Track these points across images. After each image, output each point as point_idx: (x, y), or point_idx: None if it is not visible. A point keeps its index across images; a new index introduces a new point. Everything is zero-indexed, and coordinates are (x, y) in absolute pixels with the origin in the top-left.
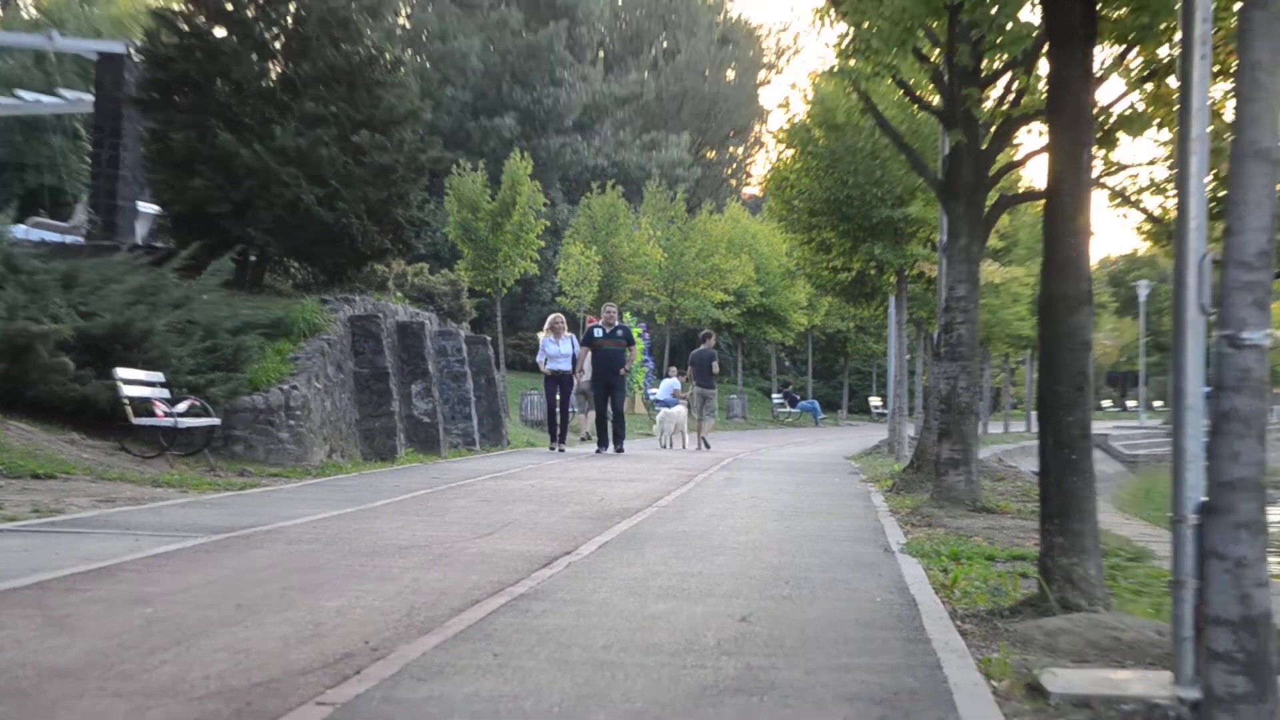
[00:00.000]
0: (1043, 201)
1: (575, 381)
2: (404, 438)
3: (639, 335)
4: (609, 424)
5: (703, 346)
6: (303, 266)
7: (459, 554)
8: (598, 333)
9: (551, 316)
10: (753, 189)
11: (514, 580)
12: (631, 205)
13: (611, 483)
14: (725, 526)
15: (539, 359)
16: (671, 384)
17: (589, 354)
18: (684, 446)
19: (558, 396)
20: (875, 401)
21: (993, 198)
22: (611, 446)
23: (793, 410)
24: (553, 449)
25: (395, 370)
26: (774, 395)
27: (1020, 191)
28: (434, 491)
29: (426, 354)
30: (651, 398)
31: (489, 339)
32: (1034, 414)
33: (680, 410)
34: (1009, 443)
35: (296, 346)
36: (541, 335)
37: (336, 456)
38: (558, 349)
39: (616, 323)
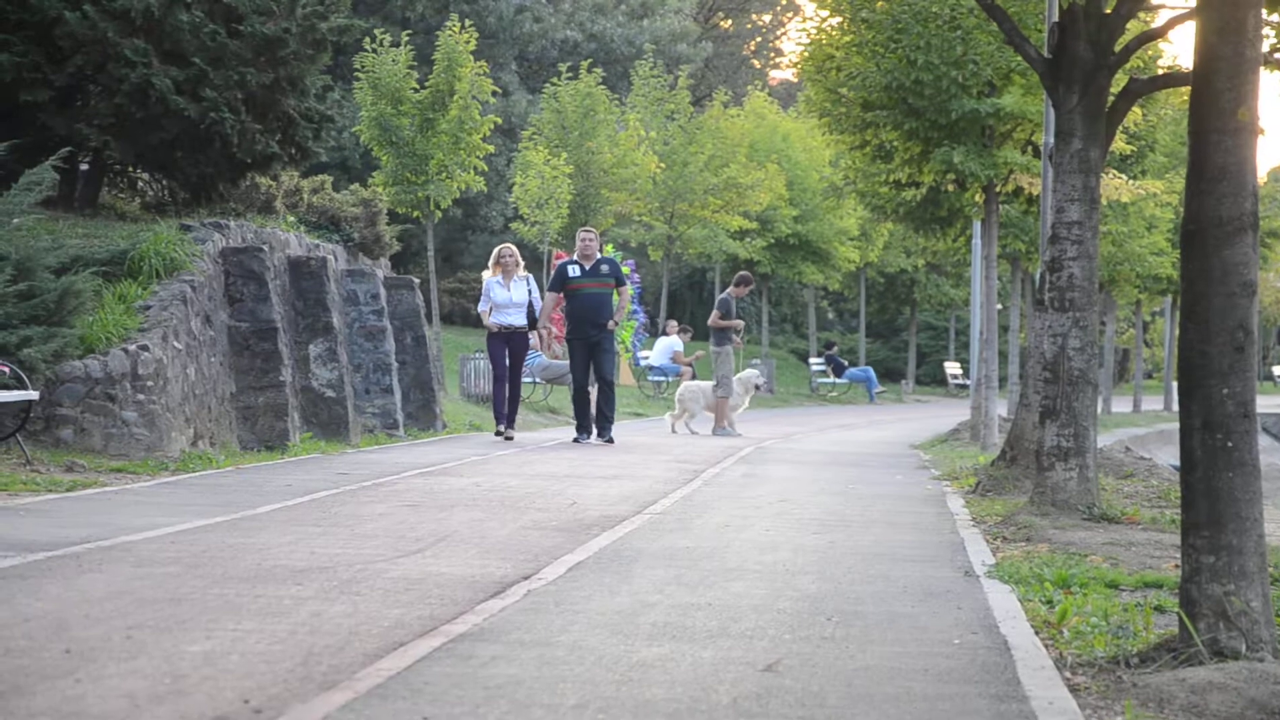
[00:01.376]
0: (1189, 88)
1: (539, 342)
2: (299, 418)
3: (627, 275)
4: (591, 401)
5: (732, 293)
6: (155, 179)
7: (376, 579)
8: (572, 271)
9: (498, 249)
10: (784, 72)
11: (452, 615)
12: (616, 95)
13: (587, 480)
14: (744, 541)
15: (481, 308)
16: (670, 344)
17: (561, 302)
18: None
19: (508, 362)
20: (953, 369)
21: (1120, 83)
22: (594, 434)
23: (839, 381)
24: (500, 435)
25: (287, 325)
26: (812, 360)
27: (1158, 74)
28: (341, 493)
29: (330, 302)
30: (643, 363)
31: (417, 281)
32: (1175, 385)
33: (704, 386)
34: (1140, 425)
35: (147, 291)
36: (486, 275)
37: (205, 444)
38: (507, 295)
39: (598, 255)
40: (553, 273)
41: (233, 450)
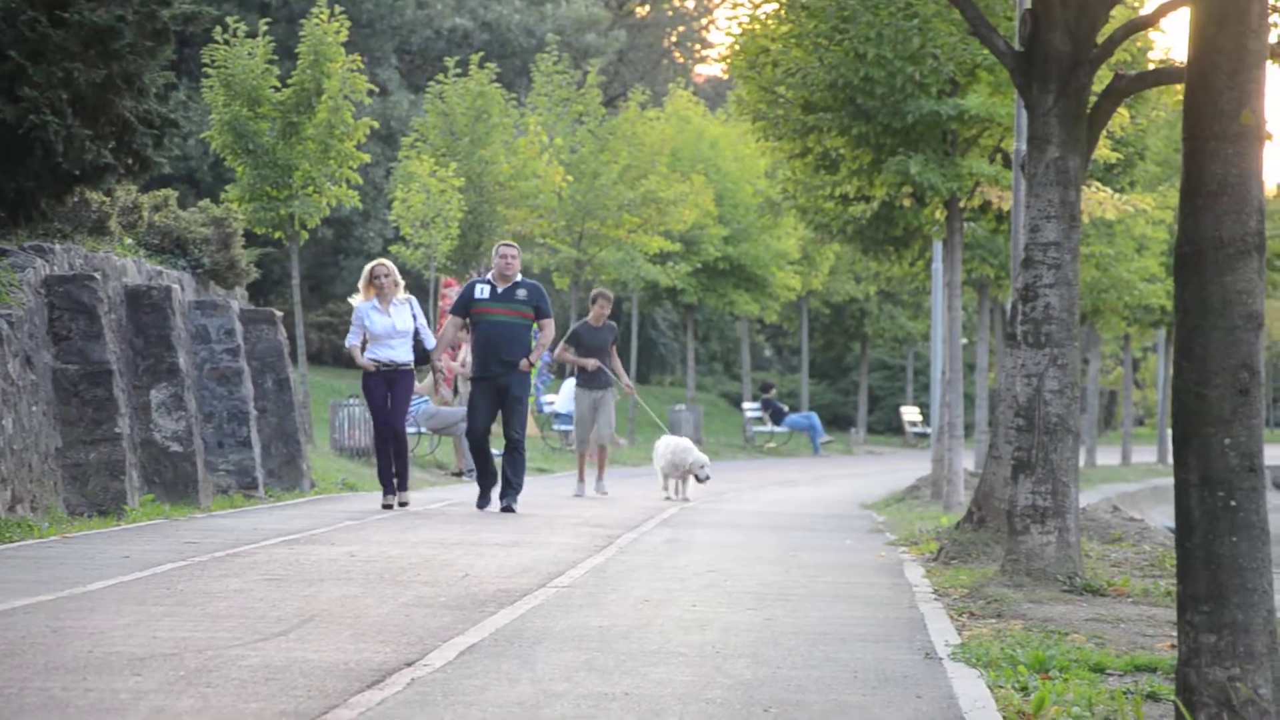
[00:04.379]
0: (1183, 86)
1: (430, 383)
2: (139, 477)
3: None
4: (492, 460)
5: (591, 318)
6: None
7: (230, 667)
8: (480, 291)
9: (370, 266)
10: (712, 68)
11: (321, 709)
12: (514, 95)
13: (481, 549)
14: (666, 619)
15: (351, 341)
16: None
17: (465, 330)
18: (681, 494)
19: (389, 407)
20: (911, 415)
21: (1104, 80)
22: (495, 500)
23: (777, 429)
24: (387, 505)
25: (124, 367)
26: (747, 405)
27: (1148, 70)
28: (189, 565)
29: (176, 340)
30: (547, 409)
31: (280, 315)
32: (1170, 434)
33: (687, 444)
34: (1130, 480)
35: None
36: (355, 300)
37: (25, 509)
38: (388, 323)
39: (518, 277)
40: (458, 293)
41: (59, 516)
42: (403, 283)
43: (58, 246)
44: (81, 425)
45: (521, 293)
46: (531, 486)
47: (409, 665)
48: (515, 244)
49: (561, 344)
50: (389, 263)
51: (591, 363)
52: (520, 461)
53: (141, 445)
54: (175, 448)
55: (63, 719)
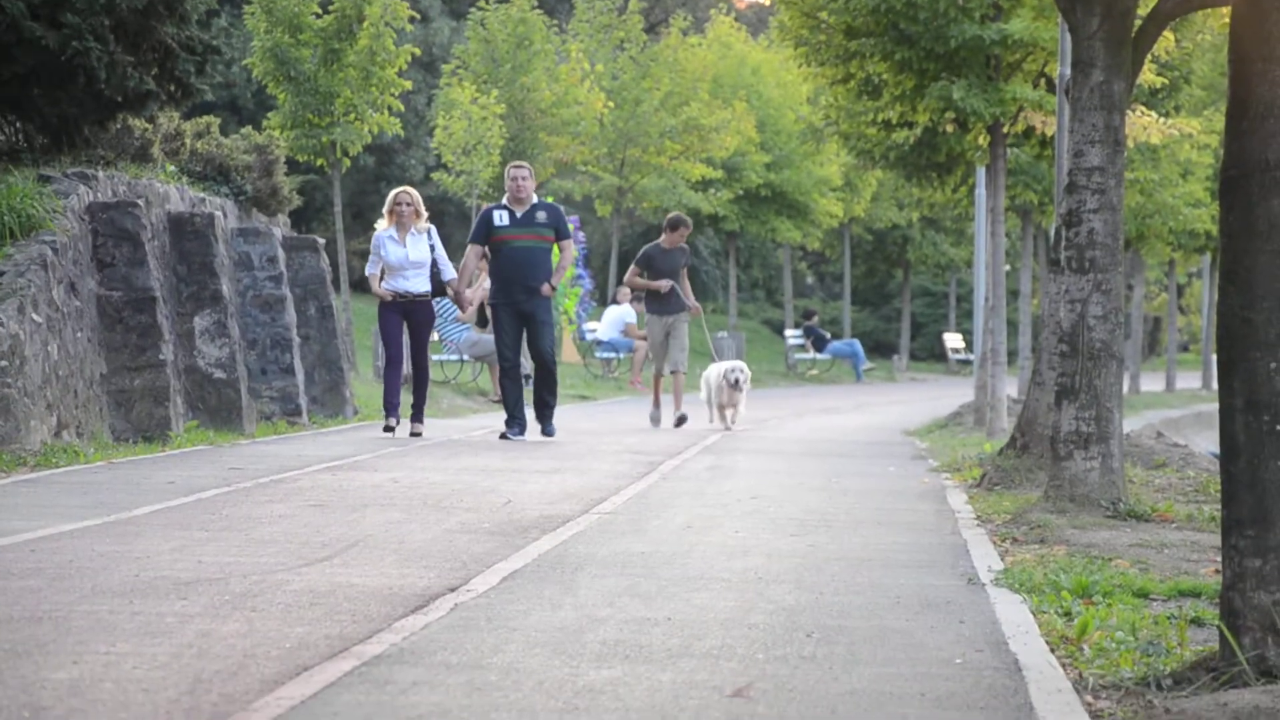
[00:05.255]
0: (1229, 8)
1: (462, 308)
2: (183, 404)
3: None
4: (522, 385)
5: (665, 241)
6: (8, 121)
7: (275, 592)
8: (499, 218)
9: (393, 193)
10: None
11: (366, 634)
12: (554, 22)
13: (524, 475)
14: (709, 545)
15: (370, 270)
16: (621, 314)
17: (483, 258)
18: (730, 424)
19: (405, 337)
20: (954, 342)
21: (1148, 3)
22: (520, 428)
23: (820, 357)
24: (390, 429)
25: (167, 294)
26: (789, 332)
27: None
28: (234, 491)
29: (219, 267)
30: (589, 337)
31: (322, 242)
32: (1214, 359)
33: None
34: (1175, 406)
35: (0, 254)
36: (378, 226)
37: (70, 435)
38: (403, 253)
39: (534, 199)
40: (475, 220)
41: (104, 442)
42: (424, 212)
43: (101, 173)
44: (126, 351)
45: (541, 215)
46: (573, 413)
47: (452, 590)
48: (526, 164)
49: (632, 267)
50: (413, 191)
51: (665, 283)
52: (553, 380)
53: (185, 372)
54: (219, 374)
55: (111, 641)
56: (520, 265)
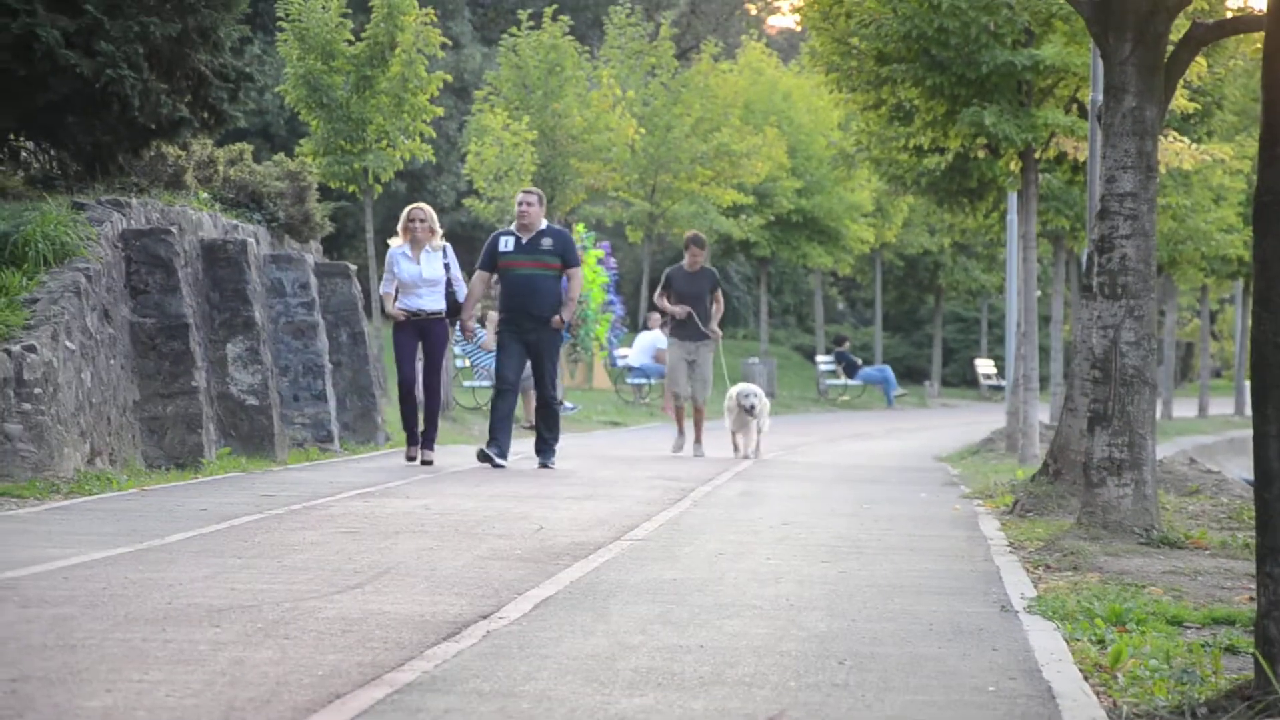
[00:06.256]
0: (1263, 34)
1: (475, 333)
2: (216, 430)
3: (596, 261)
4: (512, 409)
5: (686, 263)
6: (42, 149)
7: (307, 619)
8: (504, 244)
9: (407, 210)
10: (785, 19)
11: (398, 661)
12: (586, 48)
13: (555, 501)
14: (741, 571)
15: (384, 289)
16: (653, 340)
17: (490, 284)
18: (749, 453)
19: (419, 361)
20: (985, 368)
21: (1181, 28)
22: (498, 450)
23: (851, 382)
24: (413, 459)
25: (200, 320)
26: (820, 358)
27: (1226, 17)
28: (266, 518)
29: (251, 293)
30: (620, 363)
31: (354, 269)
32: (1248, 385)
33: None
34: (1208, 432)
35: (33, 282)
36: (395, 241)
37: (103, 462)
38: (416, 270)
39: (542, 225)
40: (484, 248)
41: (137, 469)
42: (439, 230)
43: (134, 200)
44: (159, 379)
45: (546, 242)
46: (604, 440)
47: (484, 618)
48: (536, 190)
49: (658, 290)
50: (426, 207)
51: (681, 310)
52: (555, 418)
53: (218, 399)
54: (251, 401)
55: (144, 669)
56: (523, 293)
